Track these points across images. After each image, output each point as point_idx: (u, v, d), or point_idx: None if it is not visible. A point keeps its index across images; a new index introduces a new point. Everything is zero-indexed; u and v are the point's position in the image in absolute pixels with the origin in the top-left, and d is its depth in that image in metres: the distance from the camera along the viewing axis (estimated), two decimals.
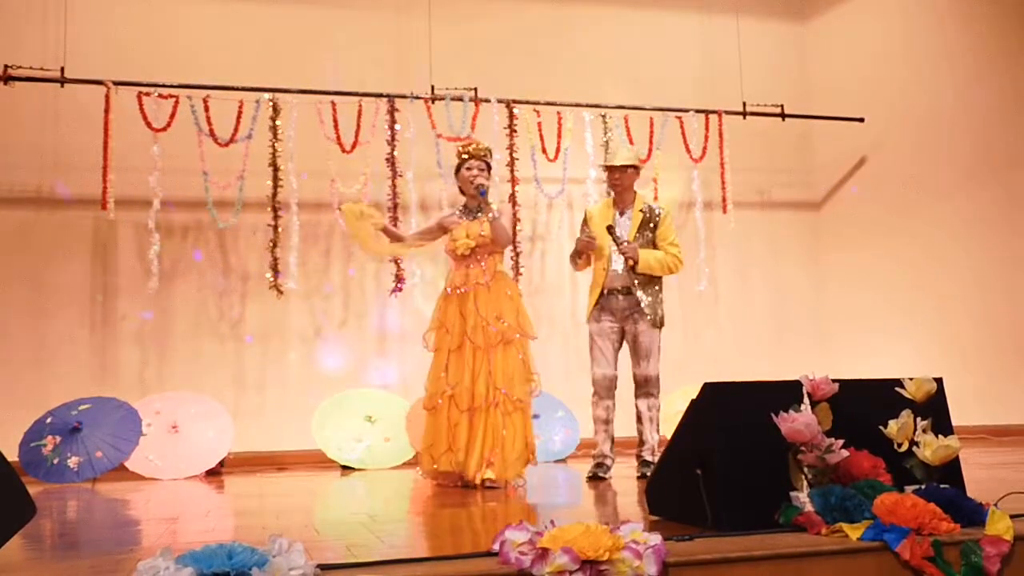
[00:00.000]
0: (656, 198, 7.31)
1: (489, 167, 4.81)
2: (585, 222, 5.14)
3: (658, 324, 4.92)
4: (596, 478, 4.76)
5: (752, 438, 2.48)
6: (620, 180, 5.00)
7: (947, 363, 6.66)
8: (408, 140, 7.14)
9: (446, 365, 4.58)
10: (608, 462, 4.87)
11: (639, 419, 4.95)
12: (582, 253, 5.01)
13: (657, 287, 4.96)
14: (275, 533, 1.86)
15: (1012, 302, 6.95)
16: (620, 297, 4.91)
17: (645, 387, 4.92)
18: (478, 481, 4.37)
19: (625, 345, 4.99)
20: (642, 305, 4.87)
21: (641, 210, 5.00)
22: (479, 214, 4.72)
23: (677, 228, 5.15)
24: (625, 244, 4.85)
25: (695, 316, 8.09)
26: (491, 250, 4.69)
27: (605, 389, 4.91)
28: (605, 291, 4.92)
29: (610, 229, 4.88)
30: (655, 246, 4.95)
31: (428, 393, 4.67)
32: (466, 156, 4.76)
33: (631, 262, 4.83)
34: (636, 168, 5.04)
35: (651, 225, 4.96)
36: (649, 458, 4.85)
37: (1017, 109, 7.05)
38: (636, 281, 4.88)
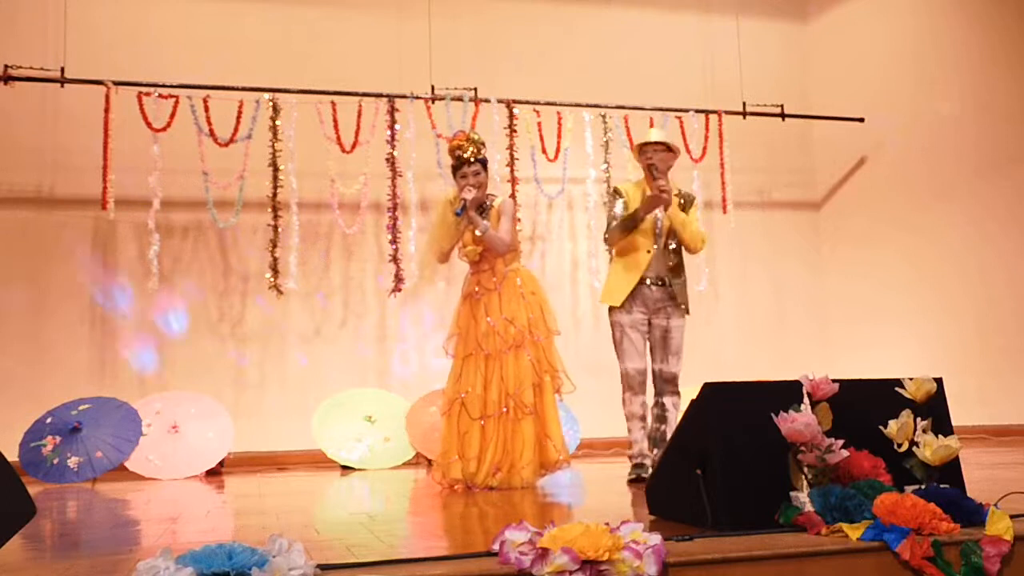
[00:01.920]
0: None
1: (484, 163, 4.62)
2: (622, 196, 4.69)
3: (687, 312, 4.75)
4: (640, 480, 4.39)
5: (752, 438, 2.48)
6: (664, 160, 4.59)
7: (950, 362, 6.68)
8: (408, 140, 7.15)
9: (460, 371, 4.55)
10: (647, 461, 4.58)
11: (663, 418, 4.65)
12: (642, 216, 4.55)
13: (683, 277, 4.76)
14: (275, 533, 1.86)
15: (1016, 300, 6.94)
16: (654, 288, 4.65)
17: (673, 384, 4.69)
18: (483, 488, 4.36)
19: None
20: (676, 297, 4.68)
21: (676, 194, 4.67)
22: (483, 215, 4.66)
23: None
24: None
25: (695, 316, 7.93)
26: (500, 252, 4.61)
27: (640, 384, 4.64)
28: (644, 279, 4.63)
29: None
30: None
31: (445, 399, 4.64)
32: (459, 163, 4.55)
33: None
34: (674, 153, 4.70)
35: (687, 211, 4.74)
36: None
37: None
38: (671, 265, 4.65)
